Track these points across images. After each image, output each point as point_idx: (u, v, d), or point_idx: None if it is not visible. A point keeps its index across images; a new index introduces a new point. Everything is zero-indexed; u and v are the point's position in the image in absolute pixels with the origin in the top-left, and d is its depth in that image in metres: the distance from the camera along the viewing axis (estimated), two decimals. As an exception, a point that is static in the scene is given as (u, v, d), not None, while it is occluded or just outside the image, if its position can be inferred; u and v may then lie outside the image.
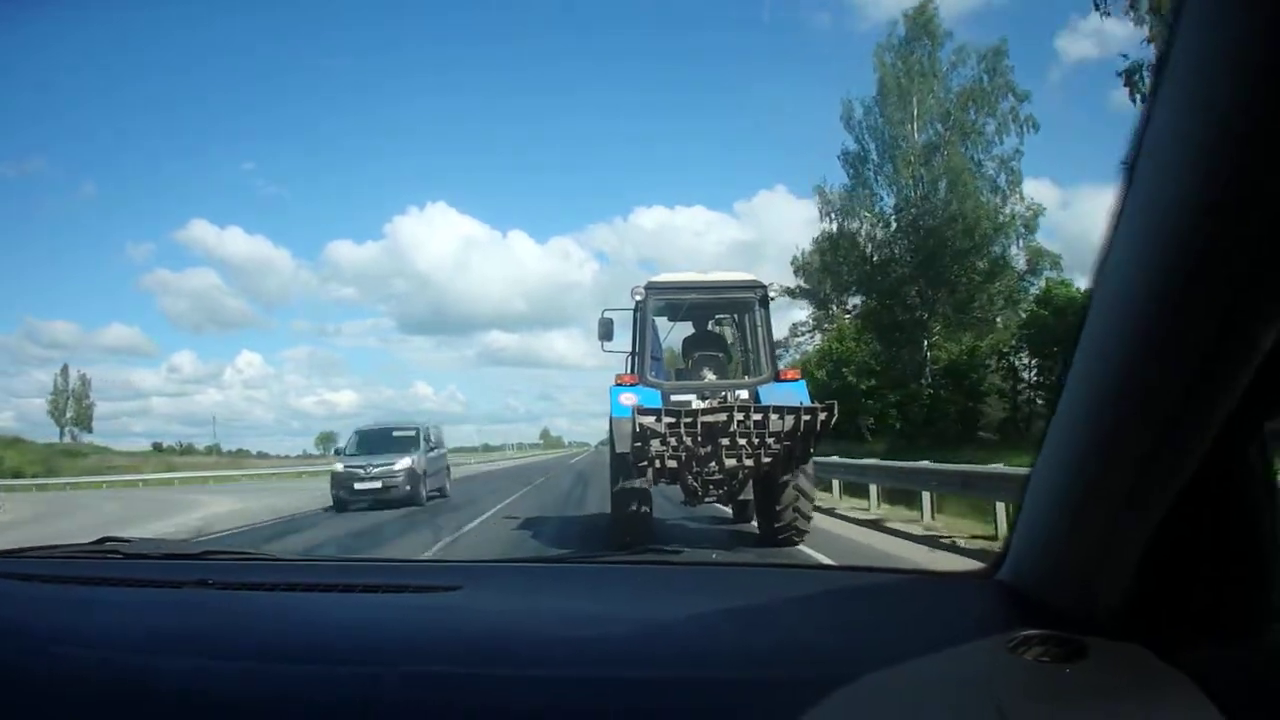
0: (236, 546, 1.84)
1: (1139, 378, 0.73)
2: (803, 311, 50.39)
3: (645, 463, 7.73)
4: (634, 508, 8.14)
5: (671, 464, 7.81)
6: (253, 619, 1.18)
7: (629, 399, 8.23)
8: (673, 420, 7.38)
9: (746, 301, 9.46)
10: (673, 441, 7.49)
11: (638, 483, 8.06)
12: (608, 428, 8.38)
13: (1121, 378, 0.75)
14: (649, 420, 7.36)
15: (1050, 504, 0.93)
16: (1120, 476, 0.78)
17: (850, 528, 10.87)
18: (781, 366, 9.35)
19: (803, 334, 50.26)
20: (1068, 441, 0.86)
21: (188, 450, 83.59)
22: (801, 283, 49.41)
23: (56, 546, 1.65)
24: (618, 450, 8.02)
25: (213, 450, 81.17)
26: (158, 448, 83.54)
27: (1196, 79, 0.62)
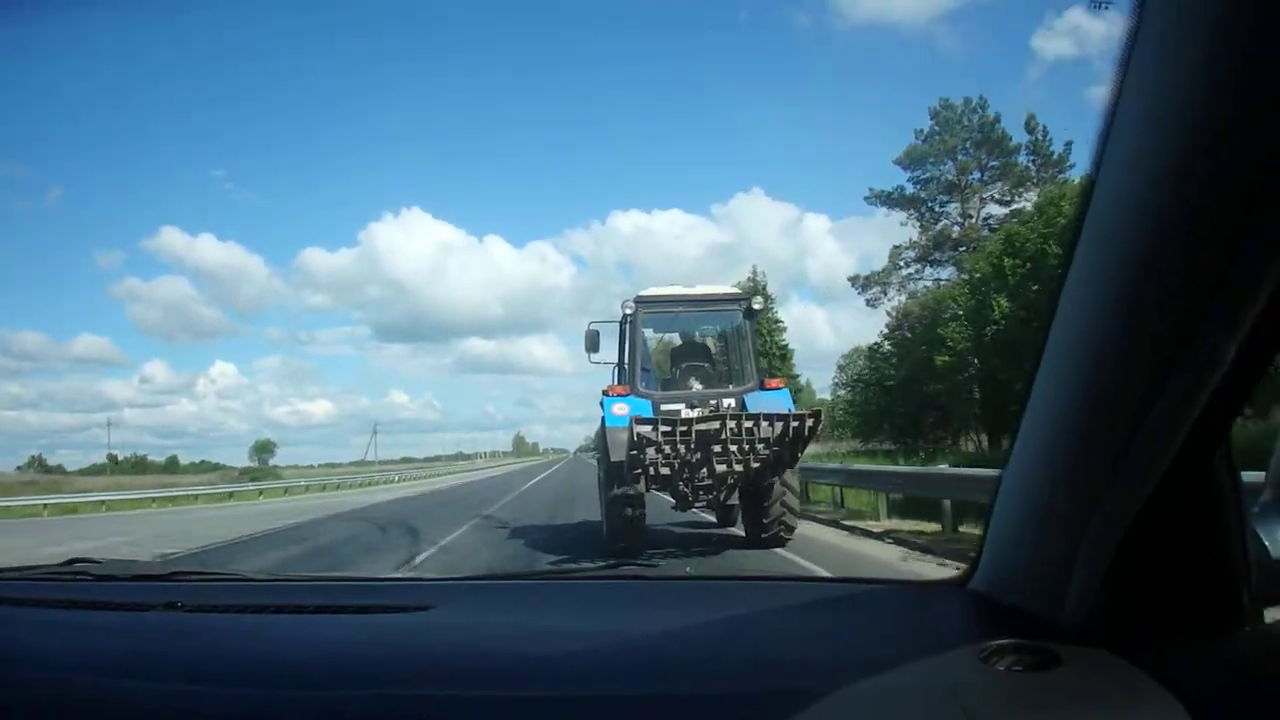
0: (206, 566, 1.76)
1: (1103, 385, 0.72)
2: (906, 229, 34.63)
3: (639, 470, 7.71)
4: (629, 513, 8.12)
5: (665, 471, 7.80)
6: (222, 642, 1.14)
7: (622, 409, 8.27)
8: (668, 429, 7.39)
9: (731, 313, 9.57)
10: (667, 449, 7.50)
11: (632, 489, 8.04)
12: (591, 435, 8.34)
13: (1086, 384, 0.74)
14: (646, 429, 7.36)
15: (1020, 511, 0.91)
16: (1088, 483, 0.77)
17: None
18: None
19: (907, 264, 34.62)
20: (1035, 448, 0.85)
21: (139, 465, 79.68)
22: (908, 181, 33.72)
23: (25, 568, 1.61)
24: (613, 459, 8.01)
25: (118, 464, 75.69)
26: (113, 460, 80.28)
27: (1154, 97, 0.61)
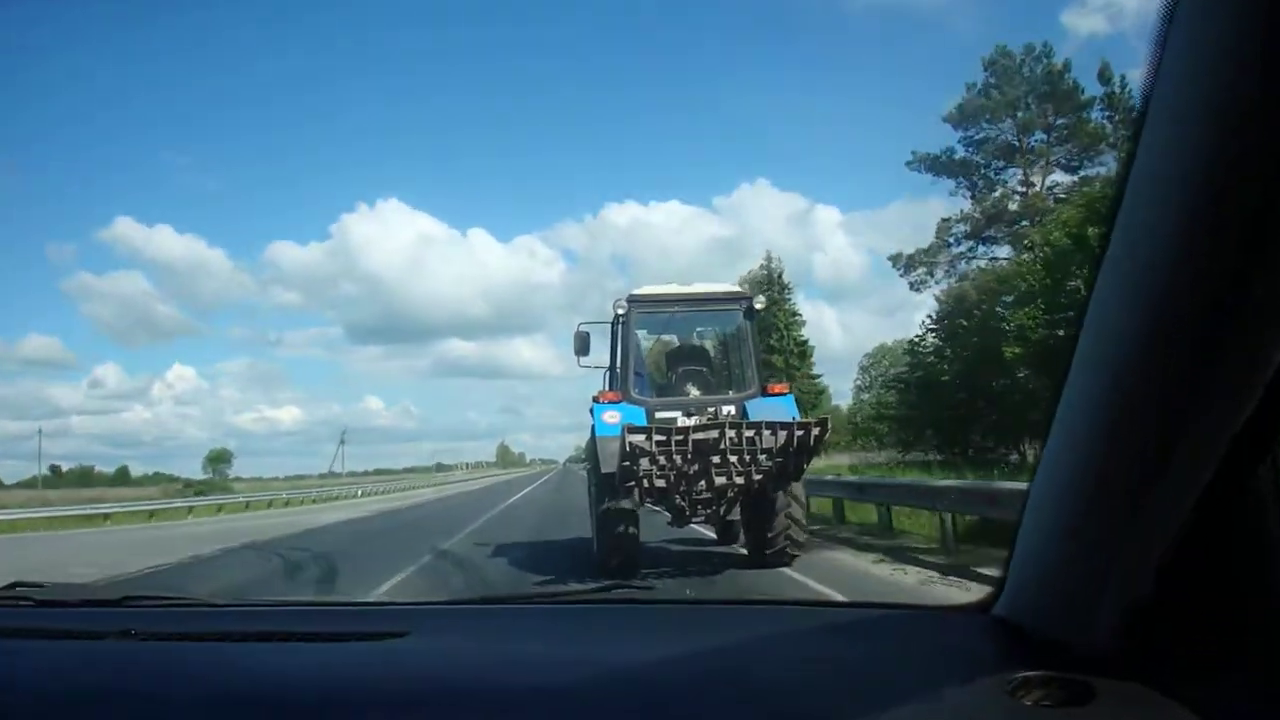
0: (162, 590, 1.76)
1: (1137, 390, 0.70)
2: (958, 200, 29.18)
3: (632, 483, 7.48)
4: (621, 529, 7.86)
5: (660, 484, 7.55)
6: (181, 674, 1.11)
7: (613, 417, 8.01)
8: (663, 438, 7.16)
9: (731, 314, 9.33)
10: (662, 460, 7.28)
11: (625, 503, 7.81)
12: (583, 445, 7.92)
13: (1119, 390, 0.72)
14: (639, 439, 7.14)
15: (1049, 531, 0.89)
16: (1123, 498, 0.75)
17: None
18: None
19: (956, 238, 29.30)
20: (1064, 461, 0.83)
21: (84, 476, 76.22)
22: (958, 143, 28.37)
23: None
24: (604, 471, 7.78)
25: (62, 476, 72.12)
26: (57, 471, 77.24)
27: (1188, 95, 0.60)
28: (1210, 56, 0.57)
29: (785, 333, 39.60)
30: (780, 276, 42.52)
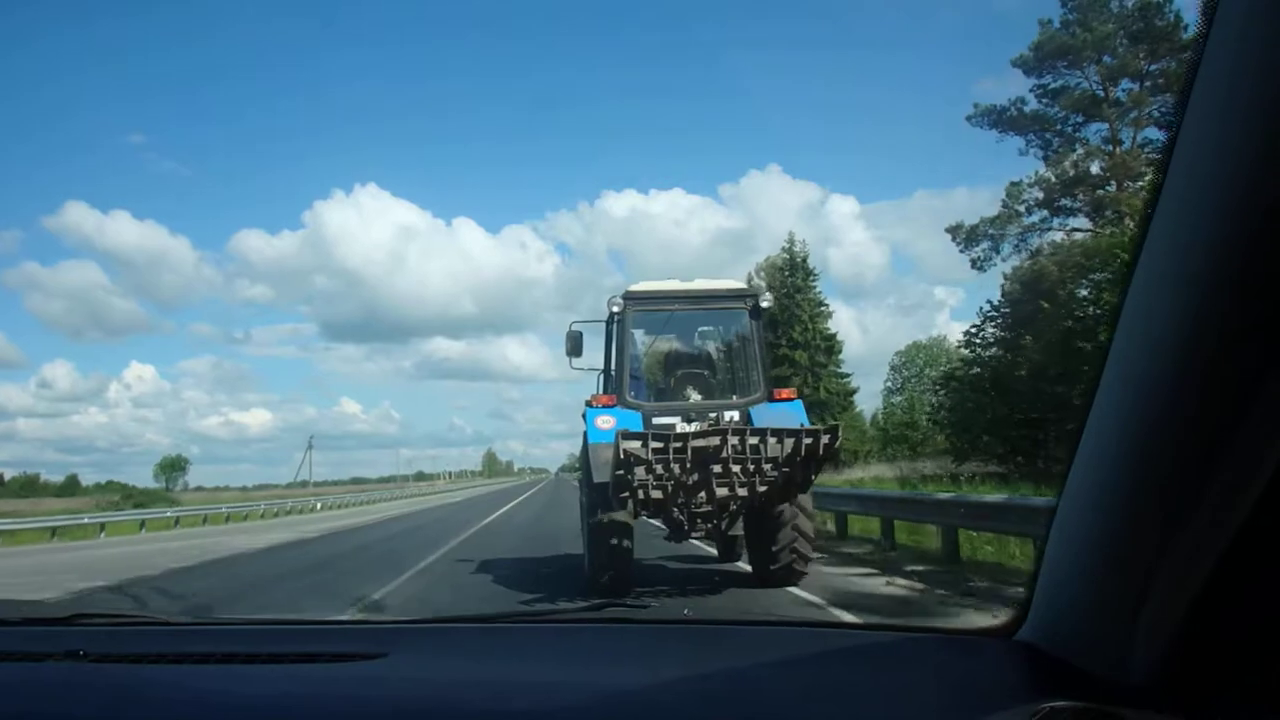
0: (114, 607, 1.73)
1: (1180, 394, 0.67)
2: (1028, 161, 25.82)
3: (627, 493, 7.24)
4: (614, 543, 7.65)
5: (656, 495, 7.30)
6: (135, 699, 1.08)
7: (607, 422, 7.85)
8: (660, 446, 6.93)
9: (736, 312, 9.14)
10: (659, 469, 7.05)
11: (619, 516, 7.60)
12: (576, 452, 7.44)
13: (1160, 401, 0.69)
14: (634, 446, 6.90)
15: (1078, 550, 0.87)
16: (1162, 514, 0.72)
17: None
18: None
19: (1028, 203, 25.33)
20: (1098, 472, 0.80)
21: (28, 485, 72.69)
22: (1030, 92, 24.69)
23: None
24: (596, 480, 7.58)
25: (4, 485, 70.21)
26: None
27: (1231, 85, 0.58)
28: (1256, 50, 0.55)
29: (810, 325, 38.34)
30: (805, 262, 40.75)
